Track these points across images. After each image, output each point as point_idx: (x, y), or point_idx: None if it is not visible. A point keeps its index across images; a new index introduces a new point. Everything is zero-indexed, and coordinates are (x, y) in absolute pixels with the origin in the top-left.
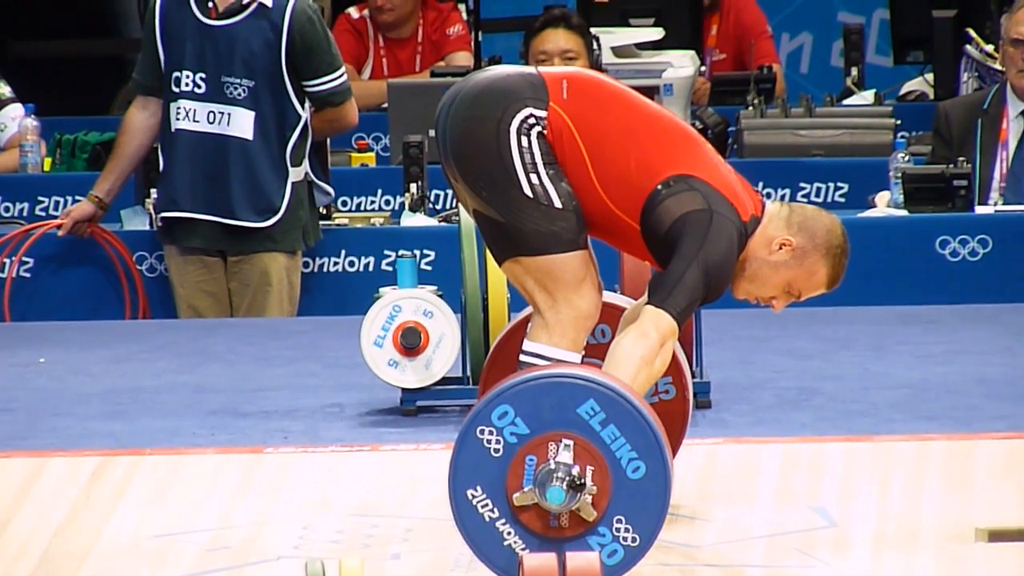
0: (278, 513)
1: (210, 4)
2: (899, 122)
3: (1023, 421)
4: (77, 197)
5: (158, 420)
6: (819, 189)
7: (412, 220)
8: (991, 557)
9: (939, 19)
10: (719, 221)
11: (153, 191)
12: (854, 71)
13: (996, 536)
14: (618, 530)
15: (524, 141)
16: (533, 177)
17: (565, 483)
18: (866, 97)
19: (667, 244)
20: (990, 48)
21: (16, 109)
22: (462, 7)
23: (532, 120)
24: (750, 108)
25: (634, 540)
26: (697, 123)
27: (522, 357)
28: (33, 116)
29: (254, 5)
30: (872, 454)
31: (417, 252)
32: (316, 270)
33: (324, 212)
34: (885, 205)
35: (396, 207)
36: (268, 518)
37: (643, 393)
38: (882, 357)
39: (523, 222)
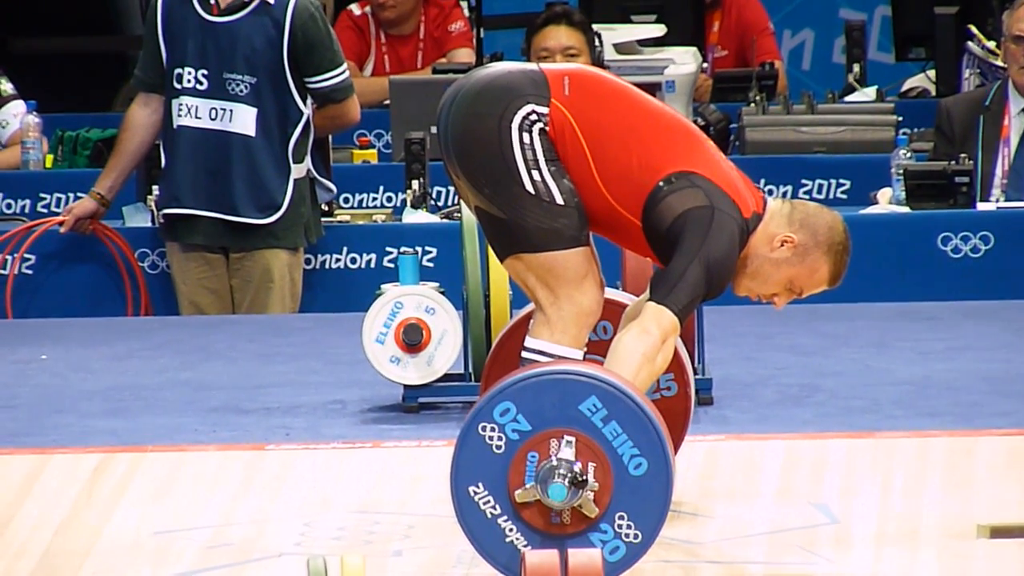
0: (280, 510)
1: (212, 1)
2: (901, 119)
3: None
4: (79, 194)
5: (160, 417)
6: (821, 186)
7: (414, 217)
8: (993, 554)
9: (941, 16)
10: (721, 218)
11: (155, 188)
12: (856, 68)
13: (998, 532)
14: (620, 527)
15: (526, 138)
16: (535, 174)
17: (567, 480)
18: (868, 94)
19: (669, 241)
20: (992, 45)
21: (18, 106)
22: (464, 4)
23: (534, 116)
24: (752, 105)
25: (636, 537)
26: (699, 120)
27: (524, 354)
28: (35, 113)
29: (256, 2)
30: (874, 451)
31: (419, 249)
32: (318, 267)
33: (326, 209)
34: (887, 202)
35: (398, 204)
36: (270, 515)
37: (645, 390)
38: (884, 354)
39: (525, 219)
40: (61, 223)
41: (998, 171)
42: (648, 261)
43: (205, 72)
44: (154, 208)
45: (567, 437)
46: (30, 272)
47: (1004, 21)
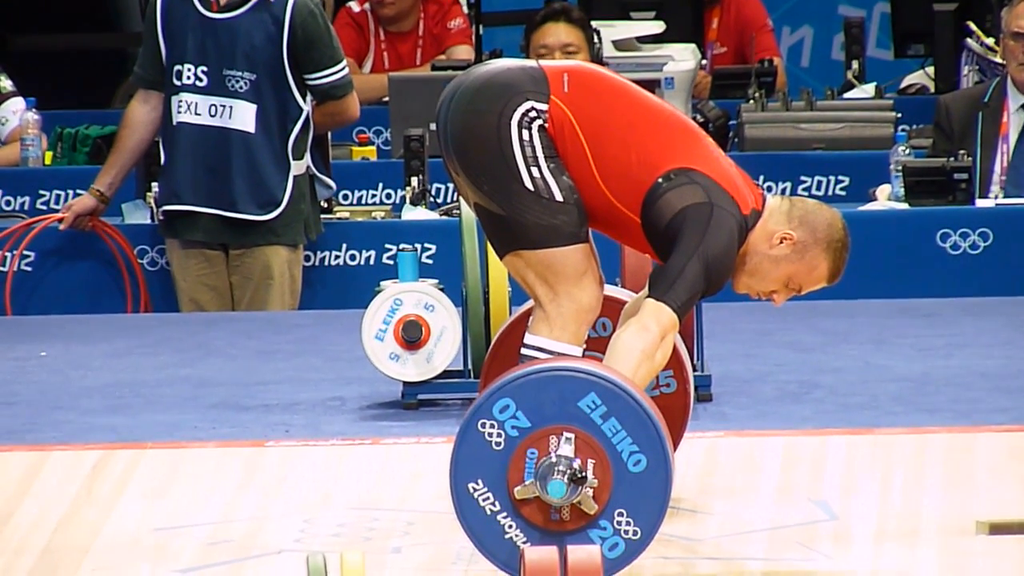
0: (279, 507)
1: None
2: (900, 115)
3: None
4: (78, 191)
5: (159, 414)
6: (820, 182)
7: (413, 214)
8: (992, 550)
9: (940, 12)
10: (719, 214)
11: (154, 185)
12: (855, 64)
13: (997, 529)
14: (619, 523)
15: (525, 134)
16: (534, 170)
17: (566, 476)
18: (867, 90)
19: (668, 237)
20: (991, 41)
21: (17, 103)
22: (463, 1)
23: (533, 113)
24: (751, 101)
25: (635, 533)
26: (698, 116)
27: (523, 351)
28: (34, 110)
29: None
30: (873, 447)
31: (418, 246)
32: (317, 263)
33: (325, 206)
34: (886, 198)
35: (397, 201)
36: (269, 512)
37: (644, 386)
38: (883, 350)
39: (524, 215)
40: (60, 220)
41: (997, 168)
42: (647, 258)
43: (205, 69)
44: (153, 205)
45: (566, 434)
46: (29, 269)
47: (1003, 18)
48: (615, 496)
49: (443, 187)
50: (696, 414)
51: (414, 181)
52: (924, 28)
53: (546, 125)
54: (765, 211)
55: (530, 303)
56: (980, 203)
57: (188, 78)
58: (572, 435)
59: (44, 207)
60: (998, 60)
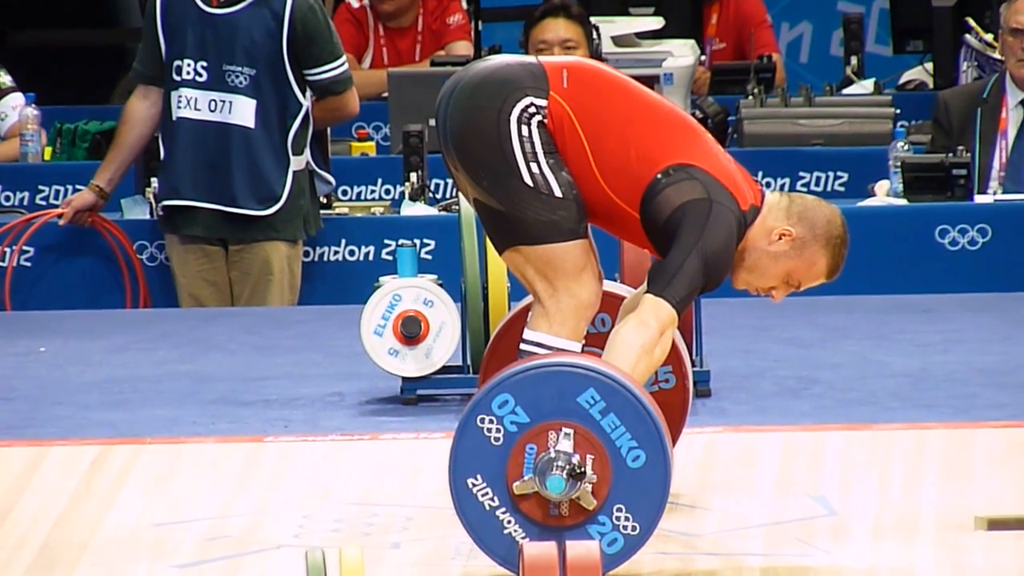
0: (278, 502)
1: None
2: (899, 111)
3: (1022, 410)
4: (78, 186)
5: (158, 409)
6: (819, 178)
7: (412, 209)
8: (990, 545)
9: (939, 8)
10: (718, 210)
11: (154, 180)
12: (854, 60)
13: (995, 524)
14: (618, 519)
15: (524, 130)
16: (533, 166)
17: (565, 472)
18: (866, 86)
19: (667, 233)
20: (989, 37)
21: (17, 98)
22: None
23: (533, 109)
24: (750, 97)
25: (634, 529)
26: (697, 112)
27: (522, 346)
28: (33, 105)
29: None
30: (871, 443)
31: (417, 241)
32: (317, 259)
33: (325, 201)
34: (884, 194)
35: (396, 196)
36: (268, 507)
37: (643, 382)
38: (881, 346)
39: (523, 211)
40: (60, 215)
41: (995, 163)
42: (646, 253)
43: (204, 64)
44: (153, 200)
45: (565, 429)
46: (28, 264)
47: (1001, 14)
48: (614, 491)
49: (442, 183)
50: (695, 410)
51: (413, 177)
52: (923, 24)
53: (545, 121)
54: (764, 207)
55: (529, 299)
56: (979, 199)
57: (188, 73)
58: (571, 430)
59: (43, 203)
60: (997, 56)
